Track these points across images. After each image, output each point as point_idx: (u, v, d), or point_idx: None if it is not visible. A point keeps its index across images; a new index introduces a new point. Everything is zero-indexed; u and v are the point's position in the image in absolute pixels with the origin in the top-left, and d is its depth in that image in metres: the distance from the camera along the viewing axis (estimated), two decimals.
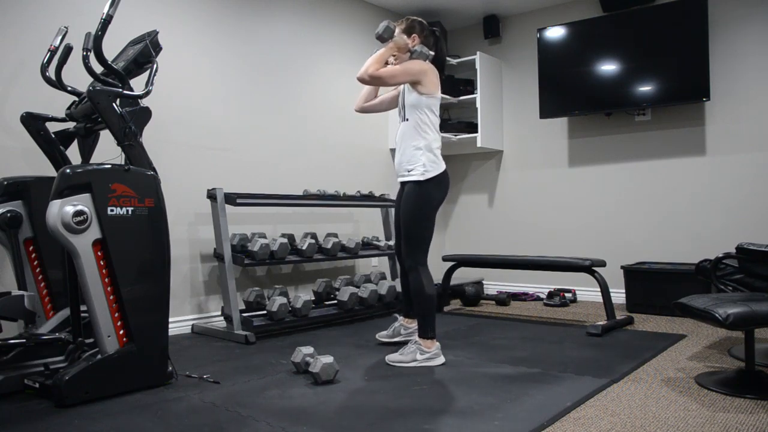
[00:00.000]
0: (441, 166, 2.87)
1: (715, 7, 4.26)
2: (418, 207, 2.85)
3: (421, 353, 2.80)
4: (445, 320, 4.04)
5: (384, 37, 2.89)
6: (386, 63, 2.88)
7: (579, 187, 4.95)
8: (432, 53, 2.93)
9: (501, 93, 5.37)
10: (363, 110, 3.22)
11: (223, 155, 3.92)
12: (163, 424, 2.03)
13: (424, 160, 2.83)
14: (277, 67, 4.28)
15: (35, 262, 2.74)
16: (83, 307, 2.44)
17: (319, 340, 3.36)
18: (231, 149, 3.97)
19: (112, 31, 2.55)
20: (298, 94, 4.42)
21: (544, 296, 4.80)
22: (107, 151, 2.79)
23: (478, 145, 5.03)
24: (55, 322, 2.64)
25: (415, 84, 2.85)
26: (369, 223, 4.90)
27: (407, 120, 2.90)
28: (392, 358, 2.84)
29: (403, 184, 2.96)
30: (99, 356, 2.32)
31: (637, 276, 4.21)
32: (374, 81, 2.84)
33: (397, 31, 2.93)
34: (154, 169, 2.51)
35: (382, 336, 3.28)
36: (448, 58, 5.18)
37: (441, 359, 2.83)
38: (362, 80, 2.85)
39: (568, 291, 4.81)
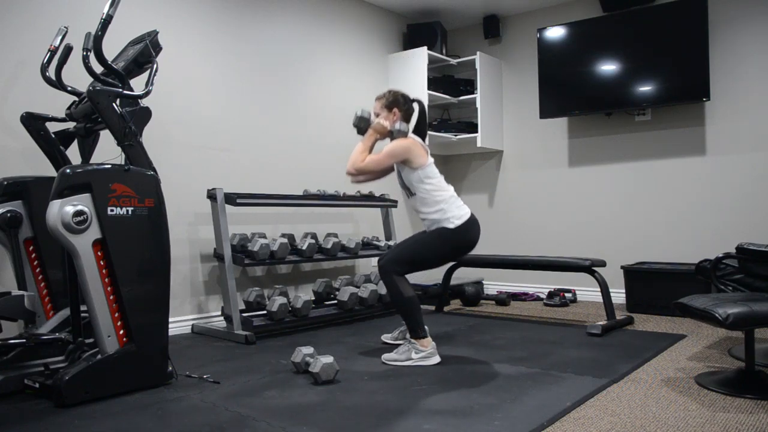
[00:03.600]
0: (466, 213, 2.91)
1: (715, 7, 4.26)
2: (436, 239, 2.88)
3: (416, 352, 2.81)
4: (445, 320, 4.05)
5: (361, 127, 2.93)
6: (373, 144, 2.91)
7: (579, 187, 4.95)
8: (407, 127, 2.93)
9: (501, 93, 5.37)
10: (358, 181, 3.16)
11: (223, 155, 3.92)
12: (163, 424, 2.03)
13: (449, 216, 2.86)
14: (277, 67, 4.28)
15: (35, 262, 2.73)
16: (83, 307, 2.44)
17: (319, 340, 3.36)
18: (231, 149, 3.97)
19: (112, 31, 2.55)
20: (298, 94, 4.42)
21: (544, 296, 4.80)
22: (107, 151, 2.79)
23: (478, 145, 5.04)
24: (55, 322, 2.64)
25: (404, 162, 2.88)
26: (369, 223, 4.90)
27: (414, 195, 2.93)
28: (388, 357, 2.85)
29: None
30: (99, 356, 2.32)
31: (637, 276, 4.21)
32: (363, 173, 2.90)
33: (377, 106, 2.96)
34: (154, 169, 2.51)
35: (387, 338, 3.30)
36: (448, 58, 5.19)
37: (436, 358, 2.83)
38: (351, 174, 2.91)
39: (568, 291, 4.81)
